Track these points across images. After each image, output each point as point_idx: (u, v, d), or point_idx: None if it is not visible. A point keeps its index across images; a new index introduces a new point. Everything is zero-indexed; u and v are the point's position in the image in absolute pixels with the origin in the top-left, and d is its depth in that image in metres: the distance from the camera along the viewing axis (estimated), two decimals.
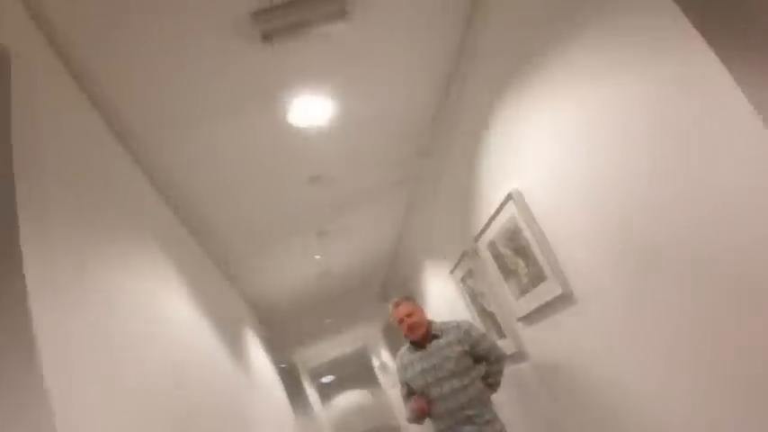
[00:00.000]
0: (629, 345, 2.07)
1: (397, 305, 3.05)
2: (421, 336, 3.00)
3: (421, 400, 2.89)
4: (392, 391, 12.26)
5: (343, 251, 5.03)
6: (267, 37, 1.99)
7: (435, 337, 3.00)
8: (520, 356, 3.24)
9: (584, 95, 1.86)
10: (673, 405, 1.90)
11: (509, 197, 2.55)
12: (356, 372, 18.83)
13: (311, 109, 2.72)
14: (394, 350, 9.23)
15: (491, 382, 3.04)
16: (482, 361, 3.02)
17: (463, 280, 3.78)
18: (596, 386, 2.47)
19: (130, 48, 1.82)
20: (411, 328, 2.98)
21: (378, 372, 14.11)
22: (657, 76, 1.50)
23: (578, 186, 2.03)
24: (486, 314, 3.57)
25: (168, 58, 1.93)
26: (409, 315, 2.99)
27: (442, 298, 4.39)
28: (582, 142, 1.93)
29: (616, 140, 1.76)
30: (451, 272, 3.93)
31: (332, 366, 17.46)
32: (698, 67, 1.38)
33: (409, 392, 3.06)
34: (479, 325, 3.71)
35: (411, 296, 3.17)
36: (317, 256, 4.88)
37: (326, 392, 18.92)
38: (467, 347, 2.94)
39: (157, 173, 2.52)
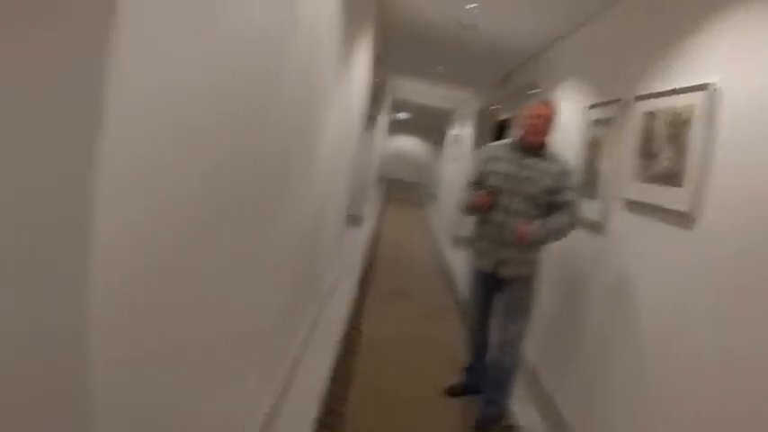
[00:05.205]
0: (725, 311, 1.94)
1: (546, 105, 2.87)
2: (536, 143, 2.84)
3: (487, 198, 2.83)
4: (448, 166, 12.54)
5: (497, 16, 4.56)
6: None
7: (540, 156, 2.85)
8: (596, 227, 3.13)
9: None
10: None
11: (703, 87, 2.14)
12: (430, 125, 19.06)
13: None
14: (474, 134, 9.13)
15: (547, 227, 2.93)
16: (550, 210, 2.87)
17: (595, 123, 3.44)
18: (653, 321, 2.39)
19: None
20: (536, 130, 2.81)
21: (449, 139, 14.28)
22: None
23: None
24: (591, 169, 3.35)
25: None
26: (547, 119, 2.81)
27: (562, 124, 4.08)
28: None
29: None
30: (589, 107, 3.57)
31: (413, 108, 17.66)
32: None
33: (476, 184, 2.99)
34: (578, 177, 3.51)
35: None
36: (472, 6, 4.44)
37: (395, 126, 19.52)
38: (552, 187, 2.80)
39: None
